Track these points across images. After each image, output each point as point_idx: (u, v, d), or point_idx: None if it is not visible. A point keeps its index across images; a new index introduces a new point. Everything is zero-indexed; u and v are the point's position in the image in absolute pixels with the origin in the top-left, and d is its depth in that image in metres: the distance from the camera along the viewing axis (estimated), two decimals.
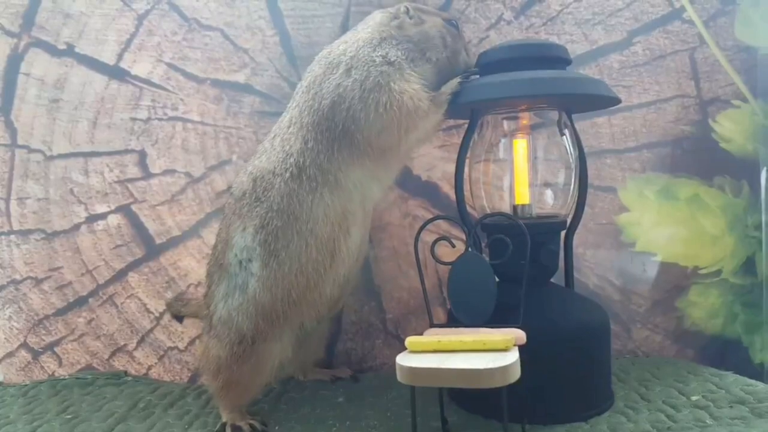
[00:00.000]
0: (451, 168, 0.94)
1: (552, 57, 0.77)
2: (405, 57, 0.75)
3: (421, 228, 0.72)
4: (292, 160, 0.73)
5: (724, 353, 0.97)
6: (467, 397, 0.77)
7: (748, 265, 0.97)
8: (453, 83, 0.76)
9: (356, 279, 0.86)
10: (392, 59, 0.74)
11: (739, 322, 0.97)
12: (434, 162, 0.99)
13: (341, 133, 0.72)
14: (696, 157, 0.98)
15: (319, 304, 0.77)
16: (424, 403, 0.78)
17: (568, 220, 0.82)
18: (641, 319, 0.98)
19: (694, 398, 0.75)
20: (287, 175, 0.73)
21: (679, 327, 0.98)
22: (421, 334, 0.68)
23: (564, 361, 0.71)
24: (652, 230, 0.98)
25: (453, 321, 0.73)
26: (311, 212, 0.73)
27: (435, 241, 0.71)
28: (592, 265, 0.98)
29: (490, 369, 0.55)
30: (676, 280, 0.98)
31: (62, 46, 0.98)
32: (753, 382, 0.79)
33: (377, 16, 0.80)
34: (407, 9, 0.79)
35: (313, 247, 0.73)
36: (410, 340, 0.64)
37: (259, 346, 0.74)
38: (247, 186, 0.76)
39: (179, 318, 0.96)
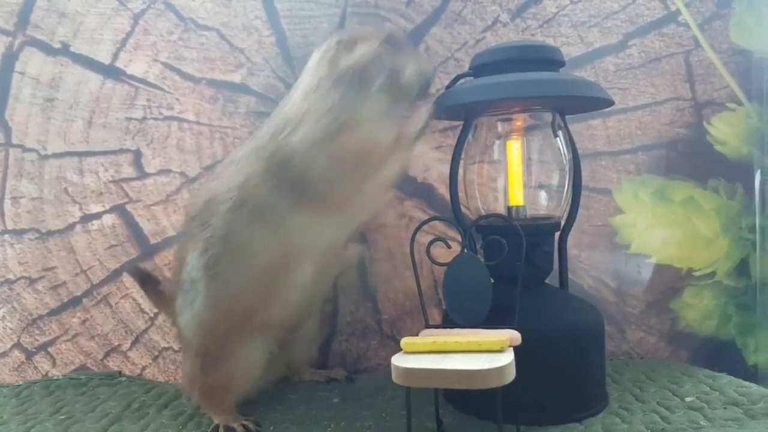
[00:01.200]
0: (447, 169, 0.94)
1: (545, 59, 0.78)
2: (346, 97, 0.70)
3: (417, 229, 0.72)
4: (235, 192, 0.71)
5: (718, 355, 0.98)
6: (462, 398, 0.77)
7: (742, 267, 0.98)
8: (419, 119, 0.71)
9: (321, 305, 0.85)
10: (331, 104, 0.70)
11: (732, 324, 0.98)
12: (430, 163, 0.99)
13: (291, 183, 0.70)
14: (691, 160, 0.98)
15: (271, 327, 0.76)
16: (420, 404, 0.78)
17: (562, 222, 0.83)
18: (636, 321, 0.98)
19: (688, 399, 0.75)
20: (230, 204, 0.71)
21: (673, 329, 0.98)
22: (416, 335, 0.68)
23: (558, 362, 0.71)
24: (647, 232, 0.98)
25: (448, 322, 0.73)
26: (251, 245, 0.71)
27: (431, 242, 0.71)
28: (587, 266, 0.99)
29: (485, 370, 0.55)
30: (670, 282, 0.98)
31: (57, 45, 0.98)
32: (747, 383, 0.79)
33: (314, 57, 0.76)
34: (338, 41, 0.73)
35: (253, 277, 0.71)
36: (405, 341, 0.64)
37: (224, 356, 0.73)
38: (199, 208, 0.75)
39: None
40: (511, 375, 0.57)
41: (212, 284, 0.73)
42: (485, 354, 0.60)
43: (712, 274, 0.98)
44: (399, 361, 0.60)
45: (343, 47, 0.73)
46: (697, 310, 0.98)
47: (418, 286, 0.72)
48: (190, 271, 0.74)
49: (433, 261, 0.71)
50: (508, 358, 0.58)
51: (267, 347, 0.76)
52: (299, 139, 0.70)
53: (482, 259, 0.70)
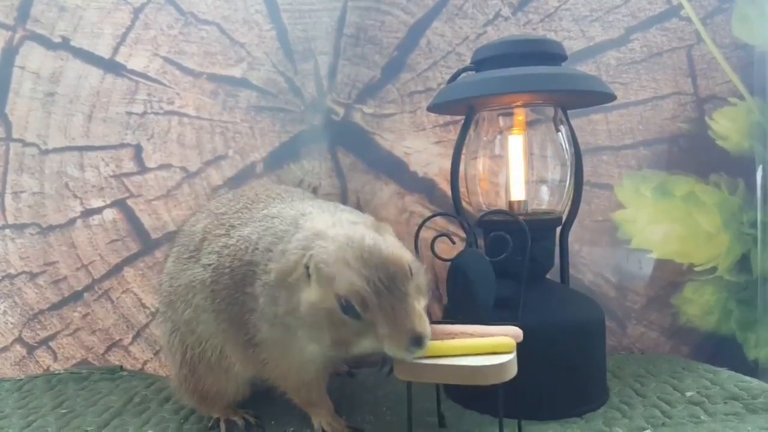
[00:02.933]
0: (448, 164, 0.94)
1: (547, 53, 0.77)
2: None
3: (421, 225, 0.72)
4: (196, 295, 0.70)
5: (719, 350, 0.98)
6: (463, 392, 0.77)
7: (743, 263, 0.98)
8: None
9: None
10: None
11: (733, 319, 0.98)
12: (431, 158, 0.99)
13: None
14: (692, 155, 0.98)
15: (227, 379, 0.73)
16: (421, 399, 0.78)
17: (564, 217, 0.82)
18: (636, 316, 0.98)
19: (688, 394, 0.75)
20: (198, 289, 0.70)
21: (674, 324, 0.98)
22: None
23: (559, 357, 0.72)
24: (648, 227, 0.98)
25: (449, 317, 0.73)
26: (198, 329, 0.70)
27: (435, 238, 0.71)
28: (588, 261, 0.99)
29: (487, 367, 0.55)
30: (671, 277, 0.98)
31: (57, 40, 0.98)
32: (747, 378, 0.80)
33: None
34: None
35: (200, 346, 0.71)
36: None
37: (203, 374, 0.72)
38: (191, 242, 0.74)
39: None
40: (512, 371, 0.57)
41: (170, 323, 0.73)
42: None
43: (713, 269, 0.98)
44: None
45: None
46: (698, 306, 0.98)
47: None
48: (166, 292, 0.75)
49: (437, 256, 0.70)
50: (510, 354, 0.58)
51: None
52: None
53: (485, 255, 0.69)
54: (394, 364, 0.60)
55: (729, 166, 0.98)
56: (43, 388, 0.91)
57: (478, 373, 0.55)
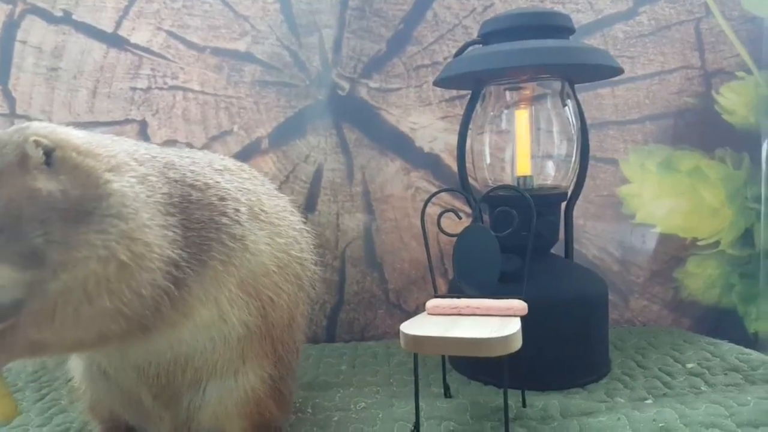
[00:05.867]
0: (453, 139, 0.94)
1: (555, 26, 0.77)
2: None
3: (427, 201, 0.72)
4: None
5: (720, 323, 0.99)
6: (467, 363, 0.79)
7: (746, 237, 0.98)
8: None
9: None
10: None
11: (735, 293, 0.99)
12: (436, 134, 0.99)
13: None
14: (698, 129, 0.98)
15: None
16: (426, 370, 0.80)
17: (569, 192, 0.83)
18: (639, 290, 1.00)
19: (689, 366, 0.77)
20: None
21: (676, 297, 0.99)
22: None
23: (563, 329, 0.73)
24: (653, 202, 0.98)
25: (454, 291, 0.73)
26: None
27: (441, 213, 0.72)
28: (592, 236, 0.99)
29: (492, 338, 0.56)
30: (674, 252, 0.99)
31: (59, 13, 0.97)
32: (747, 350, 0.81)
33: None
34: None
35: None
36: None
37: None
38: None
39: None
40: (517, 343, 0.58)
41: None
42: (493, 321, 0.61)
43: (717, 243, 0.98)
44: (407, 328, 0.61)
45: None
46: (701, 279, 0.99)
47: (429, 256, 0.73)
48: None
49: (443, 232, 0.71)
50: (515, 326, 0.59)
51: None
52: None
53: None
54: (401, 338, 0.61)
55: (734, 140, 0.98)
56: (54, 362, 0.92)
57: (484, 344, 0.56)
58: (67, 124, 0.92)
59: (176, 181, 0.54)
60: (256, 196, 0.61)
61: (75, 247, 0.46)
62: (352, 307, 1.01)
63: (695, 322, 0.99)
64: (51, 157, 0.48)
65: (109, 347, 0.51)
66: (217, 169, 0.60)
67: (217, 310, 0.55)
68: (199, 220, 0.53)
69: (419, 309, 1.00)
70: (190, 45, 0.97)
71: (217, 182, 0.58)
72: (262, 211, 0.60)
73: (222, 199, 0.56)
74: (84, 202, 0.47)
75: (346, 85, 0.98)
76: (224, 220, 0.55)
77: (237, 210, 0.57)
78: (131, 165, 0.52)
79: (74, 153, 0.49)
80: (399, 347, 0.90)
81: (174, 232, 0.51)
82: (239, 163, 0.65)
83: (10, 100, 0.98)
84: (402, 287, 1.01)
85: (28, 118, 0.98)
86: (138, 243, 0.48)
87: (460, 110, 0.98)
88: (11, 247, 0.45)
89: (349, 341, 0.99)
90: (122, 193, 0.49)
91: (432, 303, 0.68)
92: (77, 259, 0.47)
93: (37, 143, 0.48)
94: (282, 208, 0.64)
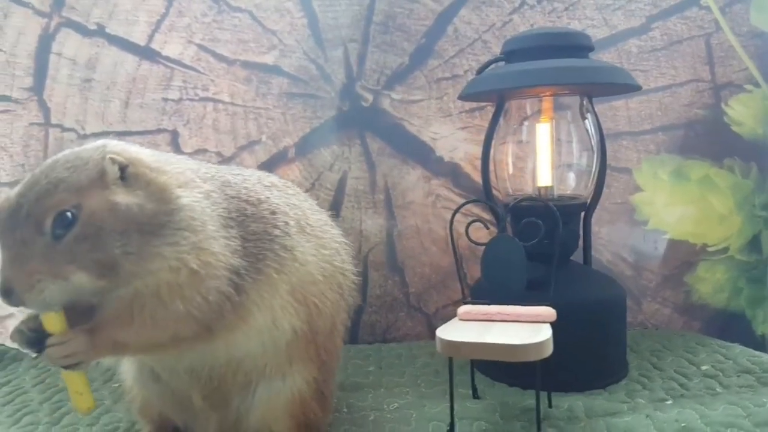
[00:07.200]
0: (473, 149, 0.98)
1: (576, 45, 0.80)
2: None
3: (455, 211, 0.75)
4: None
5: (728, 325, 1.03)
6: (492, 366, 0.82)
7: (754, 243, 1.02)
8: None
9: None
10: None
11: (743, 297, 1.03)
12: (457, 143, 1.03)
13: None
14: (708, 140, 1.02)
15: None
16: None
17: (588, 201, 0.87)
18: (651, 294, 1.04)
19: (703, 368, 0.81)
20: None
21: (686, 301, 1.04)
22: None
23: (585, 333, 0.76)
24: (664, 209, 1.02)
25: (476, 296, 0.77)
26: None
27: (470, 223, 0.75)
28: (606, 242, 1.03)
29: (528, 344, 0.60)
30: (685, 257, 1.03)
31: (93, 27, 1.00)
32: (758, 353, 0.85)
33: None
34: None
35: None
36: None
37: None
38: None
39: None
40: (549, 349, 0.62)
41: None
42: (523, 327, 0.65)
43: (725, 249, 1.02)
44: (444, 333, 0.65)
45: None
46: (710, 284, 1.03)
47: (457, 264, 0.77)
48: None
49: (472, 241, 0.75)
50: (547, 333, 0.62)
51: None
52: None
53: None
54: (437, 342, 0.64)
55: (743, 150, 1.02)
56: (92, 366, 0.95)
57: (519, 350, 0.60)
58: (101, 133, 0.95)
59: (233, 197, 0.58)
60: (302, 211, 0.65)
61: (148, 258, 0.50)
62: (374, 310, 1.05)
63: (705, 324, 1.04)
64: (125, 172, 0.52)
65: (179, 349, 0.55)
66: (266, 186, 0.63)
67: (271, 315, 0.59)
68: (254, 232, 0.57)
69: (439, 312, 1.04)
70: (221, 58, 1.00)
71: (268, 197, 0.61)
72: (308, 224, 0.64)
73: (273, 213, 0.60)
74: (159, 216, 0.51)
75: (370, 97, 1.02)
76: (276, 232, 0.59)
77: (286, 223, 0.61)
78: (197, 182, 0.55)
79: (147, 170, 0.53)
80: (421, 349, 0.96)
81: (235, 242, 0.55)
82: (284, 180, 0.69)
83: (45, 110, 1.01)
84: (422, 291, 1.05)
85: (62, 128, 1.02)
86: (206, 253, 0.52)
87: (479, 121, 1.02)
88: (92, 256, 0.49)
89: (372, 343, 1.02)
90: (191, 208, 0.53)
91: (464, 309, 0.72)
92: (149, 270, 0.51)
93: (113, 160, 0.51)
94: (324, 222, 0.68)
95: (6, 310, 1.02)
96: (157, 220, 0.51)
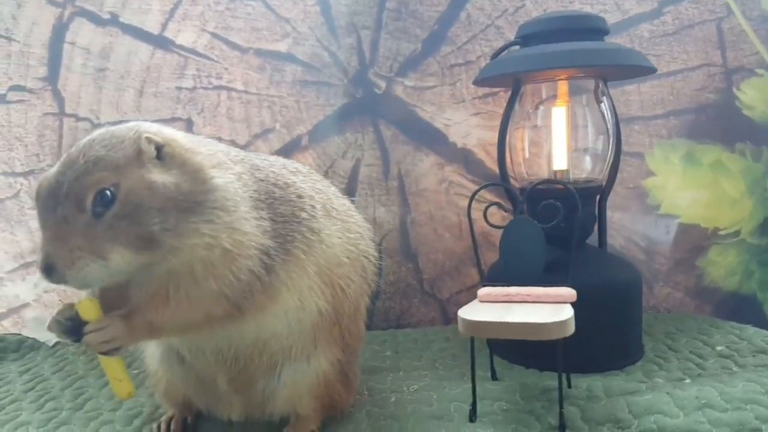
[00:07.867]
0: (485, 135, 0.98)
1: (591, 28, 0.81)
2: None
3: (473, 196, 0.76)
4: None
5: (740, 308, 1.04)
6: (510, 348, 0.83)
7: (765, 226, 1.03)
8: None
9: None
10: None
11: (754, 280, 1.04)
12: (469, 129, 1.03)
13: None
14: (719, 124, 1.02)
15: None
16: (466, 354, 0.84)
17: (603, 185, 0.87)
18: (663, 277, 1.04)
19: (718, 348, 0.82)
20: None
21: (698, 284, 1.04)
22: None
23: (602, 315, 0.77)
24: (676, 194, 1.03)
25: (493, 279, 0.77)
26: None
27: (487, 207, 0.76)
28: (619, 226, 1.04)
29: (550, 323, 0.61)
30: (697, 241, 1.04)
31: (106, 16, 1.00)
32: None
33: None
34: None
35: None
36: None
37: None
38: None
39: None
40: (571, 328, 0.62)
41: None
42: (547, 307, 0.65)
43: (737, 233, 1.03)
44: (465, 314, 0.65)
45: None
46: (722, 267, 1.04)
47: (475, 247, 0.77)
48: None
49: (490, 224, 0.75)
50: (569, 312, 0.63)
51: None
52: None
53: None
54: (459, 323, 0.65)
55: (754, 134, 1.02)
56: (75, 352, 0.94)
57: (543, 329, 0.61)
58: (116, 123, 0.96)
59: (262, 180, 0.58)
60: (326, 195, 0.66)
61: (185, 234, 0.51)
62: (389, 296, 1.06)
63: (716, 308, 1.04)
64: (161, 152, 0.52)
65: (212, 329, 0.56)
66: (291, 171, 0.64)
67: (298, 296, 0.59)
68: (282, 215, 0.58)
69: (452, 298, 1.05)
70: (234, 46, 1.01)
71: (294, 182, 0.62)
72: (333, 208, 0.65)
73: (300, 196, 0.61)
74: (195, 194, 0.52)
75: (383, 84, 1.02)
76: (303, 215, 0.60)
77: (313, 206, 0.62)
78: (228, 164, 0.56)
79: (182, 150, 0.53)
80: (437, 334, 0.97)
81: (265, 223, 0.56)
82: (307, 167, 0.69)
83: (59, 100, 1.02)
84: (436, 277, 1.05)
85: (76, 117, 1.02)
86: (238, 232, 0.53)
87: (492, 107, 1.02)
88: (131, 232, 0.49)
89: (386, 329, 1.03)
90: (225, 188, 0.54)
91: (484, 291, 0.72)
92: (187, 246, 0.51)
93: (149, 139, 0.52)
94: (348, 207, 0.69)
95: (21, 300, 1.03)
96: (193, 198, 0.52)
